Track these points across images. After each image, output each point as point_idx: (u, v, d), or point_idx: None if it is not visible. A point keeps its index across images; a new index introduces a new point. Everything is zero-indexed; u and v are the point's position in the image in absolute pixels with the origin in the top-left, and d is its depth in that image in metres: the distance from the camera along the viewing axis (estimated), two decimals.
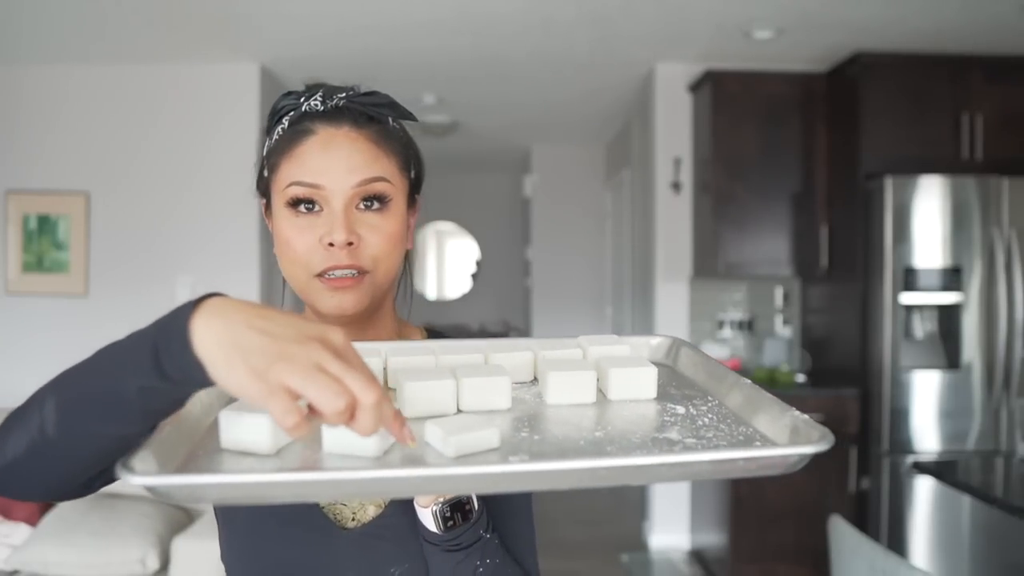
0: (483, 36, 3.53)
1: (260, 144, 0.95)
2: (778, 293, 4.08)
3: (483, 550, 0.80)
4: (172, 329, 0.56)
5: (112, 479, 0.68)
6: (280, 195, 0.85)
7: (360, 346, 0.71)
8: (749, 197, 3.73)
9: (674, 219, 4.05)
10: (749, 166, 3.73)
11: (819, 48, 3.61)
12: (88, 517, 2.71)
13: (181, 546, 2.50)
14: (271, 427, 0.61)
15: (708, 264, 3.80)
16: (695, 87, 3.95)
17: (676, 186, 4.02)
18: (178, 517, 2.84)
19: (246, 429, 0.62)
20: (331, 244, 0.82)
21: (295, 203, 0.84)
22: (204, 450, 0.64)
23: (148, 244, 3.87)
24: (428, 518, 0.79)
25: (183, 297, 3.84)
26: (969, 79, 3.48)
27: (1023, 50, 3.52)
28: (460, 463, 0.59)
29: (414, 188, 0.93)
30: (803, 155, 3.77)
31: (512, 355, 0.80)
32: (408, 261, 0.98)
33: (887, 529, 3.25)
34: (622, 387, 0.76)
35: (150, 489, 0.54)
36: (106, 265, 3.87)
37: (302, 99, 0.87)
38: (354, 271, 0.83)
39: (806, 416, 0.71)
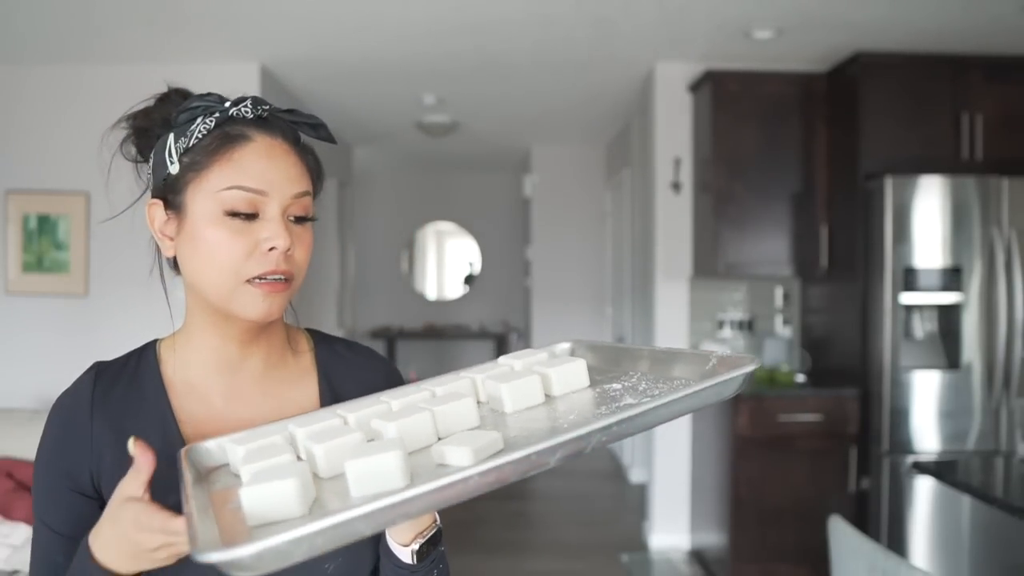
0: (483, 36, 3.53)
1: (126, 133, 0.94)
2: (778, 293, 4.08)
3: (439, 560, 0.88)
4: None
5: None
6: (211, 197, 0.83)
7: (316, 415, 0.82)
8: (749, 197, 3.73)
9: (674, 219, 4.05)
10: (749, 166, 3.73)
11: (819, 48, 3.61)
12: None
13: None
14: (298, 489, 0.65)
15: (708, 264, 3.80)
16: (695, 87, 3.95)
17: (676, 186, 4.03)
18: None
19: (272, 499, 0.65)
20: (271, 249, 0.83)
21: (233, 207, 0.83)
22: (238, 529, 0.66)
23: (148, 244, 3.87)
24: (405, 554, 0.84)
25: (183, 297, 3.84)
26: (969, 79, 3.48)
27: (1023, 50, 3.52)
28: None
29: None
30: (803, 155, 3.77)
31: (455, 384, 0.88)
32: None
33: (887, 529, 3.25)
34: (562, 383, 0.85)
35: (233, 565, 0.56)
36: (106, 265, 3.87)
37: (226, 103, 0.86)
38: (284, 276, 0.85)
39: (727, 353, 0.87)
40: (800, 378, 3.66)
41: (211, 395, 0.91)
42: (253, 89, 3.88)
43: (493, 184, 7.91)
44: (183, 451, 0.79)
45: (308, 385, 0.97)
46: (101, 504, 0.85)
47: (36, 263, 3.87)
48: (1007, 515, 2.26)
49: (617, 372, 0.91)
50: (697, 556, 3.91)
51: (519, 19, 3.32)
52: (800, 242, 3.77)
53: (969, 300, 3.23)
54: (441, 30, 3.45)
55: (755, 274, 3.85)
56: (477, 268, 8.13)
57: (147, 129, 0.93)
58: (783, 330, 4.07)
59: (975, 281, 3.23)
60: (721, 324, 4.06)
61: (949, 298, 3.24)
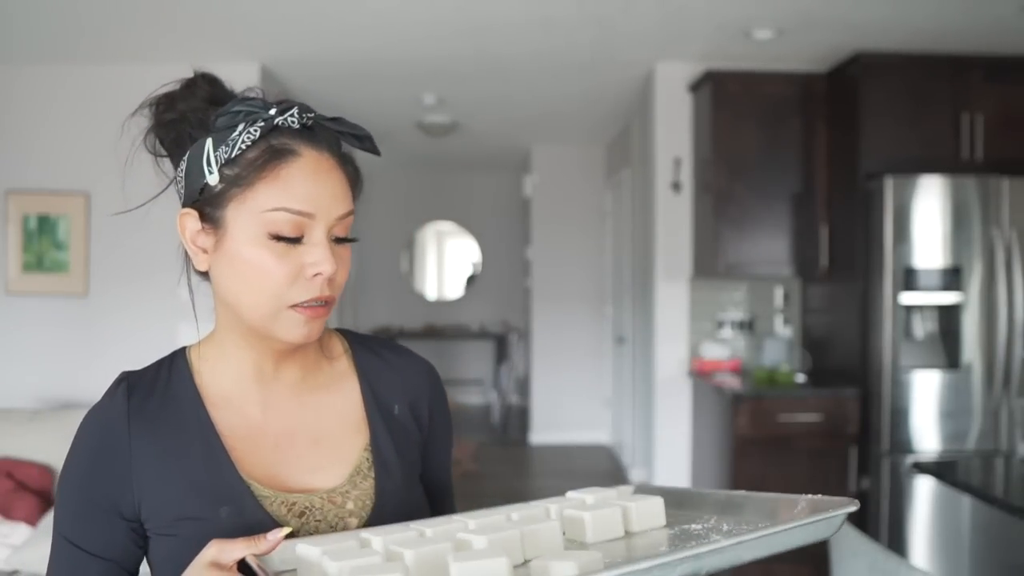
0: (483, 36, 3.53)
1: (153, 123, 0.88)
2: (778, 293, 4.08)
3: None
4: None
5: None
6: (256, 217, 0.79)
7: (394, 527, 0.79)
8: (749, 197, 3.73)
9: (674, 219, 4.05)
10: (749, 166, 3.73)
11: (819, 48, 3.61)
12: None
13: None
14: None
15: (708, 264, 3.80)
16: (695, 87, 3.95)
17: (676, 186, 4.02)
18: None
19: None
20: (316, 274, 0.79)
21: (279, 230, 0.79)
22: None
23: (148, 244, 3.87)
24: None
25: (183, 296, 3.84)
26: (969, 79, 3.47)
27: (1023, 50, 3.52)
28: None
29: None
30: (803, 155, 3.77)
31: (529, 511, 0.85)
32: None
33: (887, 529, 3.25)
34: (641, 518, 0.83)
35: None
36: (106, 265, 3.87)
37: (272, 111, 0.81)
38: (326, 302, 0.82)
39: (816, 496, 0.84)
40: (800, 378, 3.66)
41: (248, 406, 0.87)
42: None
43: (493, 184, 7.91)
44: (253, 561, 0.73)
45: (349, 390, 0.93)
46: (139, 523, 0.82)
47: (36, 263, 3.87)
48: (1007, 515, 2.26)
49: (690, 513, 0.88)
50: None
51: (519, 19, 3.32)
52: (800, 242, 3.76)
53: (969, 300, 3.23)
54: (441, 30, 3.45)
55: (755, 274, 3.85)
56: (478, 268, 8.14)
57: (174, 122, 0.88)
58: (783, 330, 4.07)
59: (975, 281, 3.23)
60: (721, 324, 4.06)
61: (949, 298, 3.24)
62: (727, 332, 4.05)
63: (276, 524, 0.81)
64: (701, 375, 3.84)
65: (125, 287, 3.86)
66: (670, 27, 3.44)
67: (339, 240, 0.82)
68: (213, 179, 0.82)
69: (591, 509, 0.81)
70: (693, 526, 0.83)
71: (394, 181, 7.84)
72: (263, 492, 0.83)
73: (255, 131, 0.80)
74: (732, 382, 3.56)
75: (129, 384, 0.86)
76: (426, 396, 0.97)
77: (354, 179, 0.87)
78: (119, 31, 3.44)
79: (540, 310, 6.45)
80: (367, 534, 0.77)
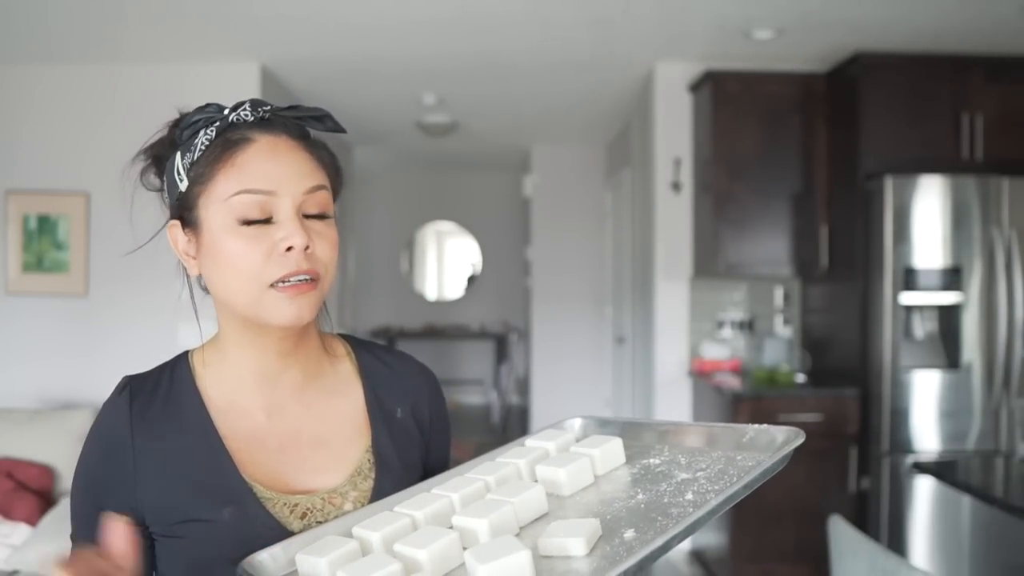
0: (483, 36, 3.53)
1: (142, 165, 0.92)
2: (778, 293, 4.08)
3: None
4: None
5: None
6: (221, 206, 0.81)
7: (379, 509, 0.81)
8: (749, 197, 3.73)
9: (674, 219, 4.05)
10: (749, 166, 3.73)
11: (819, 48, 3.61)
12: None
13: None
14: None
15: (708, 264, 3.80)
16: (695, 87, 3.95)
17: (676, 186, 4.02)
18: None
19: None
20: (289, 249, 0.80)
21: (244, 212, 0.81)
22: None
23: (148, 244, 3.87)
24: None
25: (183, 297, 3.84)
26: (969, 79, 3.48)
27: (1023, 50, 3.52)
28: (598, 554, 0.69)
29: (335, 198, 0.92)
30: (803, 155, 3.77)
31: (503, 472, 0.88)
32: None
33: (887, 529, 3.25)
34: (605, 462, 0.88)
35: None
36: (106, 265, 3.87)
37: (225, 111, 0.85)
38: (309, 276, 0.82)
39: (763, 426, 0.88)
40: (800, 378, 3.66)
41: (251, 409, 0.89)
42: (253, 89, 3.88)
43: (493, 184, 7.91)
44: (240, 569, 0.73)
45: (353, 394, 0.94)
46: (144, 526, 0.83)
47: (36, 263, 3.87)
48: (1007, 515, 2.26)
49: (638, 448, 0.92)
50: (697, 556, 3.91)
51: (519, 19, 3.32)
52: (800, 242, 3.76)
53: (969, 300, 3.23)
54: (441, 30, 3.45)
55: (755, 274, 3.85)
56: (478, 268, 8.14)
57: (162, 156, 0.91)
58: (783, 330, 4.07)
59: (975, 281, 3.23)
60: (721, 324, 4.06)
61: (949, 298, 3.24)
62: (727, 332, 4.05)
63: (279, 525, 0.83)
64: (701, 375, 3.84)
65: (125, 287, 3.86)
66: (670, 27, 3.44)
67: (317, 217, 0.84)
68: (183, 185, 0.85)
69: (563, 465, 0.84)
70: (652, 460, 0.88)
71: (394, 181, 7.84)
72: (266, 494, 0.84)
73: (212, 131, 0.83)
74: (732, 382, 3.56)
75: (132, 389, 0.87)
76: (426, 400, 0.99)
77: (328, 161, 0.89)
78: (119, 31, 3.44)
79: (540, 310, 6.45)
80: (359, 529, 0.77)
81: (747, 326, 4.07)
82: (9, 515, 2.82)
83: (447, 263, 8.36)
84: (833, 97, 3.73)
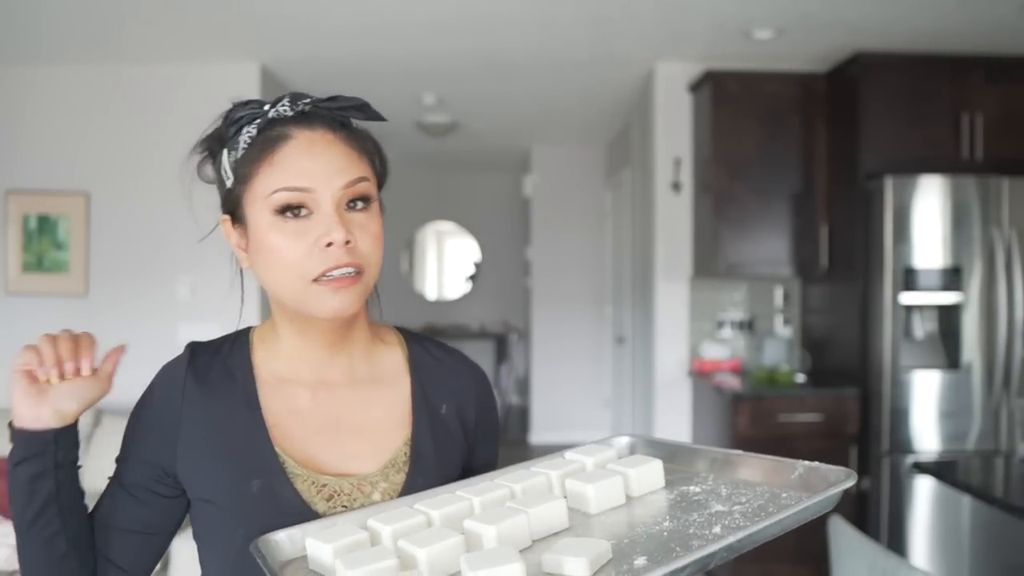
0: (483, 36, 3.53)
1: (199, 159, 0.93)
2: (778, 293, 4.08)
3: None
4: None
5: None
6: (263, 204, 0.83)
7: (398, 505, 0.82)
8: (749, 197, 3.73)
9: (674, 219, 4.05)
10: (749, 166, 3.73)
11: (819, 48, 3.61)
12: None
13: (181, 546, 2.50)
14: None
15: (708, 264, 3.80)
16: (695, 87, 3.95)
17: (676, 186, 4.02)
18: None
19: None
20: (329, 244, 0.82)
21: (284, 210, 0.82)
22: None
23: (148, 244, 3.87)
24: None
25: (183, 297, 3.84)
26: (969, 79, 3.48)
27: (1023, 50, 3.52)
28: None
29: (379, 188, 0.93)
30: (803, 155, 3.77)
31: (532, 482, 0.86)
32: None
33: (887, 529, 3.25)
34: (642, 484, 0.85)
35: None
36: (106, 265, 3.87)
37: (266, 107, 0.86)
38: (352, 269, 0.83)
39: (813, 463, 0.85)
40: (800, 378, 3.66)
41: (298, 389, 0.91)
42: (253, 89, 3.88)
43: (493, 184, 7.91)
44: (253, 545, 0.76)
45: (400, 385, 0.95)
46: (175, 481, 0.88)
47: (36, 263, 3.87)
48: (1007, 515, 2.26)
49: (687, 473, 0.90)
50: None
51: (519, 19, 3.32)
52: (800, 242, 3.76)
53: (969, 300, 3.23)
54: (441, 30, 3.45)
55: (755, 274, 3.85)
56: (478, 268, 8.13)
57: (214, 151, 0.93)
58: (783, 330, 4.07)
59: (975, 281, 3.23)
60: (721, 324, 4.06)
61: (949, 298, 3.24)
62: (727, 332, 4.05)
63: (303, 503, 0.84)
64: (701, 375, 3.84)
65: (125, 287, 3.86)
66: (670, 27, 3.44)
67: (360, 208, 0.85)
68: (230, 183, 0.87)
69: (592, 481, 0.82)
70: (692, 488, 0.85)
71: (394, 181, 7.70)
72: (296, 470, 0.86)
73: (254, 128, 0.85)
74: (732, 382, 3.56)
75: (193, 352, 0.92)
76: (473, 400, 0.99)
77: (372, 151, 0.90)
78: (119, 31, 3.44)
79: (540, 310, 6.45)
80: (374, 522, 0.78)
81: (747, 326, 4.07)
82: (9, 515, 2.82)
83: (447, 263, 8.35)
84: (833, 97, 3.73)
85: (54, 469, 0.80)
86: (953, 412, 3.23)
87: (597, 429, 6.28)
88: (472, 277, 8.18)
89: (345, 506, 0.86)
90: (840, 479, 0.78)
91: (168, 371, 0.91)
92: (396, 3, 3.14)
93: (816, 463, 0.83)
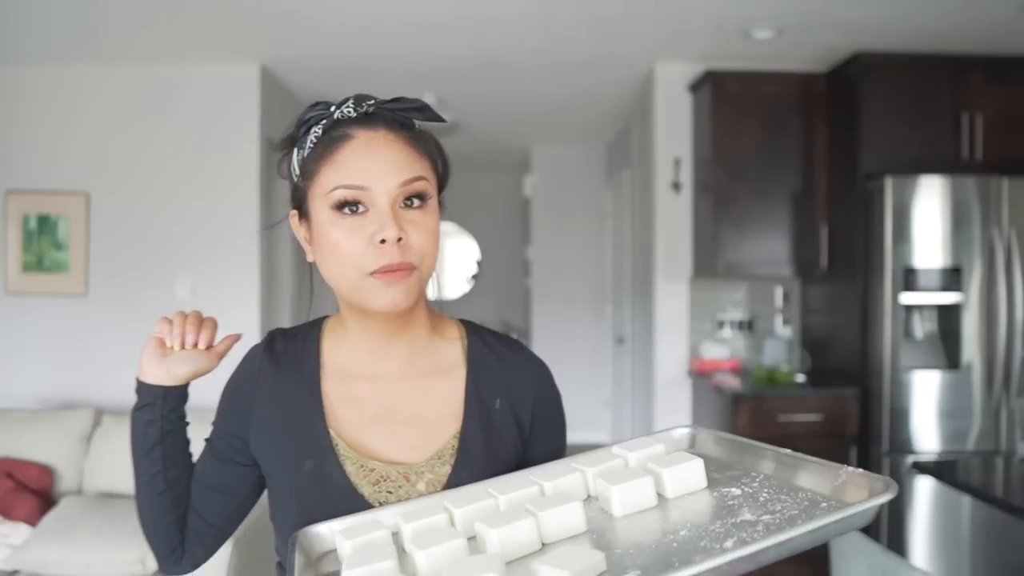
0: (483, 36, 3.53)
1: (279, 156, 0.98)
2: (778, 293, 4.08)
3: None
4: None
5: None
6: (324, 200, 0.88)
7: (425, 504, 0.85)
8: (749, 197, 3.73)
9: (674, 219, 4.05)
10: (749, 166, 3.73)
11: (819, 48, 3.61)
12: (88, 517, 2.71)
13: None
14: None
15: (708, 264, 3.80)
16: (695, 87, 3.95)
17: (676, 186, 4.02)
18: None
19: None
20: (382, 241, 0.85)
21: (342, 206, 0.87)
22: None
23: (148, 244, 3.87)
24: None
25: (183, 297, 3.84)
26: (969, 79, 3.48)
27: (1023, 50, 3.52)
28: None
29: (440, 188, 0.96)
30: (803, 155, 3.77)
31: (564, 479, 0.85)
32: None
33: (887, 529, 3.25)
34: (677, 484, 0.82)
35: None
36: (106, 265, 3.87)
37: (332, 108, 0.90)
38: (404, 267, 0.87)
39: (858, 469, 0.78)
40: (800, 378, 3.66)
41: (358, 378, 0.96)
42: (253, 89, 3.88)
43: (493, 184, 7.90)
44: (292, 538, 0.82)
45: (455, 378, 0.98)
46: (243, 454, 0.97)
47: (36, 263, 3.86)
48: (1007, 515, 2.26)
49: (738, 471, 0.87)
50: None
51: (519, 19, 3.32)
52: (800, 242, 3.76)
53: (969, 300, 3.23)
54: (441, 30, 3.45)
55: (755, 274, 3.85)
56: (478, 268, 8.13)
57: (289, 150, 0.98)
58: (783, 330, 4.07)
59: (975, 281, 3.23)
60: (721, 324, 4.06)
61: (949, 298, 3.24)
62: (727, 332, 4.05)
63: (350, 485, 0.90)
64: (701, 375, 3.84)
65: (125, 287, 3.86)
66: (670, 27, 3.44)
67: (415, 206, 0.88)
68: (297, 179, 0.93)
69: (618, 482, 0.80)
70: (733, 490, 0.82)
71: None
72: (348, 453, 0.92)
73: (319, 129, 0.91)
74: (732, 382, 3.56)
75: (272, 337, 1.01)
76: (530, 396, 1.00)
77: (432, 151, 0.93)
78: (119, 31, 3.44)
79: (540, 310, 6.45)
80: (400, 519, 0.80)
81: (747, 326, 4.07)
82: (9, 515, 2.82)
83: (447, 263, 8.35)
84: (833, 97, 3.73)
85: (160, 419, 0.95)
86: (953, 412, 3.23)
87: (597, 429, 6.28)
88: (472, 277, 8.17)
89: (390, 492, 0.90)
90: (876, 491, 0.73)
91: (250, 354, 1.00)
92: (396, 3, 3.14)
93: (859, 471, 0.78)
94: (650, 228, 4.20)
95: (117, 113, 3.90)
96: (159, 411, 0.95)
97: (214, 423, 1.01)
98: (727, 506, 0.79)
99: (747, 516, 0.76)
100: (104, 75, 3.89)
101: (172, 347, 0.97)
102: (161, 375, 0.95)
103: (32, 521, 2.82)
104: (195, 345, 0.97)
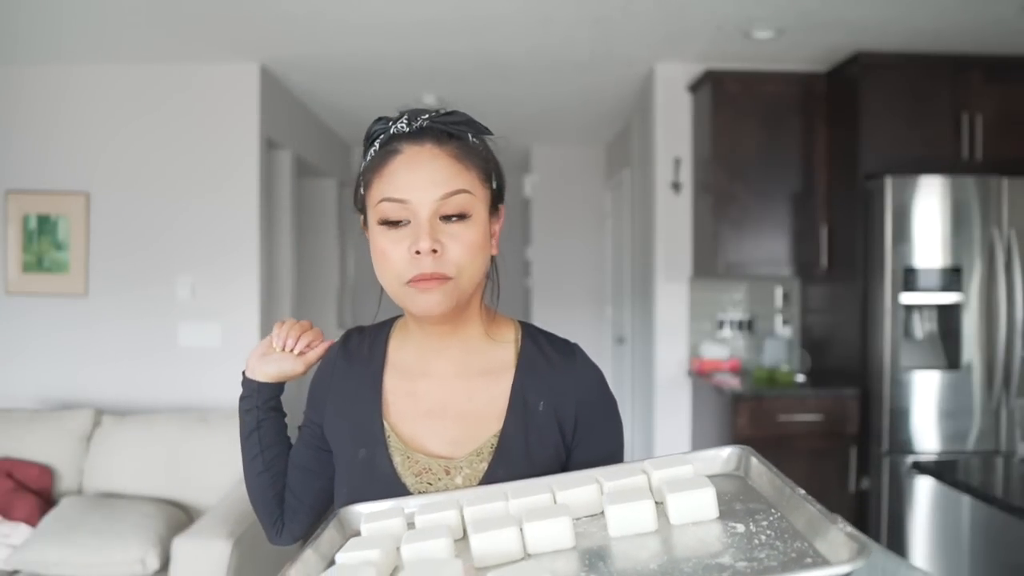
0: (483, 36, 3.53)
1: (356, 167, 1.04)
2: (778, 293, 4.08)
3: None
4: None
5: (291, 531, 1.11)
6: (373, 211, 0.95)
7: (439, 499, 0.90)
8: (749, 197, 3.73)
9: (674, 219, 4.05)
10: (749, 166, 3.73)
11: (819, 48, 3.61)
12: (88, 517, 2.70)
13: (181, 546, 2.50)
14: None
15: (708, 264, 3.80)
16: (695, 87, 3.95)
17: (676, 186, 4.02)
18: (178, 517, 2.84)
19: None
20: (417, 252, 0.91)
21: (386, 217, 0.93)
22: None
23: (148, 244, 3.87)
24: None
25: (182, 297, 3.84)
26: (969, 79, 3.48)
27: (1023, 50, 3.52)
28: None
29: (496, 198, 1.00)
30: (803, 155, 3.77)
31: (579, 491, 0.85)
32: (494, 264, 1.06)
33: (887, 529, 3.25)
34: (683, 511, 0.79)
35: None
36: (106, 265, 3.87)
37: (390, 123, 0.97)
38: (437, 277, 0.92)
39: (847, 527, 0.72)
40: (800, 378, 3.66)
41: (415, 375, 1.03)
42: (253, 89, 3.88)
43: None
44: (334, 514, 0.95)
45: (504, 379, 1.02)
46: (323, 440, 1.07)
47: (36, 263, 3.86)
48: (1007, 515, 2.26)
49: (761, 504, 0.82)
50: None
51: (519, 19, 3.32)
52: (800, 242, 3.76)
53: (969, 300, 3.23)
54: (441, 30, 3.45)
55: (755, 274, 3.85)
56: None
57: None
58: (783, 330, 4.07)
59: (975, 281, 3.23)
60: (721, 324, 4.06)
61: (949, 298, 3.24)
62: (727, 332, 4.05)
63: (394, 473, 0.98)
64: (701, 375, 3.84)
65: (125, 287, 3.86)
66: (670, 27, 3.44)
67: (456, 219, 0.93)
68: (361, 189, 1.00)
69: (616, 502, 0.79)
70: (739, 526, 0.78)
71: None
72: (397, 444, 0.99)
73: (378, 144, 0.98)
74: (732, 382, 3.56)
75: (348, 335, 1.11)
76: (573, 400, 1.01)
77: (479, 164, 0.97)
78: (118, 31, 3.44)
79: (540, 310, 6.45)
80: (417, 511, 0.86)
81: (747, 326, 4.07)
82: (9, 515, 2.82)
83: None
84: (833, 97, 3.73)
85: (256, 408, 1.08)
86: (953, 412, 3.23)
87: None
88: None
89: (430, 483, 0.96)
90: (840, 559, 0.68)
91: (330, 350, 1.10)
92: (396, 3, 3.14)
93: (848, 529, 0.70)
94: (650, 228, 4.20)
95: (117, 113, 3.89)
96: (255, 401, 1.08)
97: (304, 412, 1.12)
98: (719, 544, 0.76)
99: (725, 560, 0.72)
100: (104, 75, 3.89)
101: (275, 348, 1.08)
102: (258, 372, 1.07)
103: (32, 521, 2.82)
104: (291, 350, 1.07)
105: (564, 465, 1.00)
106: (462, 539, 0.84)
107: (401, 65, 3.97)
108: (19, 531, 2.78)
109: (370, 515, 0.88)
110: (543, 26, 3.40)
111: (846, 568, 0.66)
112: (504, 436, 0.97)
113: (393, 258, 0.93)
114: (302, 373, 1.08)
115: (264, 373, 1.07)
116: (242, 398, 1.10)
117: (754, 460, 0.89)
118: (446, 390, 1.02)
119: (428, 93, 4.55)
